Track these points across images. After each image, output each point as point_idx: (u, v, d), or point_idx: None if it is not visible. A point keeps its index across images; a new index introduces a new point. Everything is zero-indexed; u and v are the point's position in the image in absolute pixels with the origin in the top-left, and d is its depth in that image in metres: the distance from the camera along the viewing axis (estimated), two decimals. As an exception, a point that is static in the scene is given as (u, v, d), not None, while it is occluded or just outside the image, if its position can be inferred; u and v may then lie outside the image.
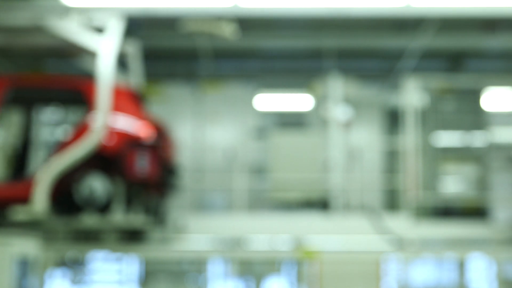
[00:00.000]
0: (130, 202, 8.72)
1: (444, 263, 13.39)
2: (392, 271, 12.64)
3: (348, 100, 11.81)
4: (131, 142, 8.46)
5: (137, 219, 8.74)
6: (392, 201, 12.34)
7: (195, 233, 10.18)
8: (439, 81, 11.75)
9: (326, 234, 10.21)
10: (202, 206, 12.02)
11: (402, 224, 10.16)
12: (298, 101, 13.98)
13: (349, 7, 9.60)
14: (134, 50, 10.23)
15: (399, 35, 11.50)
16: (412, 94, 11.05)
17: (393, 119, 12.71)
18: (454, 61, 12.77)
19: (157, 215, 9.37)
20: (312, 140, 11.34)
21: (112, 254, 10.36)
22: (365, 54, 12.62)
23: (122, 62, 10.27)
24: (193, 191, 12.07)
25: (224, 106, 12.41)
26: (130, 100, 8.94)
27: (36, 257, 9.25)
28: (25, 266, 8.71)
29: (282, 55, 12.84)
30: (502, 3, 9.22)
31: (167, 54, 12.67)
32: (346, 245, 10.16)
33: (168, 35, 11.71)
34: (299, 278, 11.55)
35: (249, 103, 12.42)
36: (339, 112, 11.25)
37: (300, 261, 11.20)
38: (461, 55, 12.60)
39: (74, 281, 12.93)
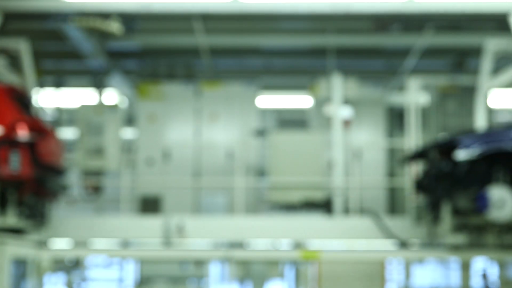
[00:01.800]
0: (3, 202, 8.46)
1: (446, 265, 13.28)
2: (394, 273, 12.51)
3: (350, 100, 11.70)
4: (2, 139, 8.26)
5: (10, 219, 8.51)
6: (394, 203, 12.21)
7: (194, 235, 10.06)
8: (443, 80, 11.64)
9: (328, 236, 10.10)
10: (201, 207, 11.89)
11: (404, 226, 10.04)
12: (299, 101, 13.88)
13: (350, 3, 9.50)
14: (24, 48, 10.12)
15: (402, 34, 11.39)
16: (415, 94, 10.95)
17: (396, 119, 12.60)
18: (458, 60, 12.64)
19: (35, 215, 9.14)
20: (313, 140, 11.21)
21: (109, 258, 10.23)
22: (368, 53, 12.51)
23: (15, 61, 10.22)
24: (193, 192, 11.94)
25: (224, 105, 12.29)
26: (6, 98, 8.74)
27: (34, 259, 9.14)
28: (22, 268, 8.63)
29: (283, 54, 12.74)
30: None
31: (166, 53, 12.57)
32: (348, 247, 10.05)
33: (168, 34, 11.63)
34: (301, 280, 11.44)
35: (250, 102, 12.30)
36: (340, 111, 11.14)
37: (301, 263, 11.10)
38: (465, 54, 12.47)
39: (72, 283, 12.82)
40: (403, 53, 12.21)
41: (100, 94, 12.66)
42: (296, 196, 10.90)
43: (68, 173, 9.97)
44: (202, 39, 11.37)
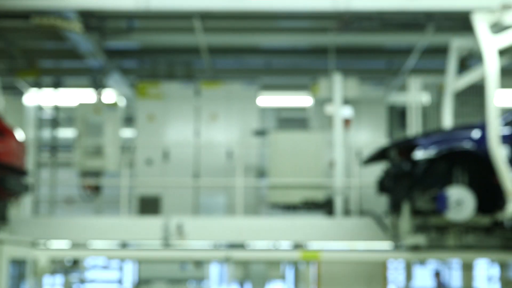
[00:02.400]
0: None
1: (448, 267, 13.23)
2: (395, 275, 12.47)
3: (351, 99, 11.65)
4: None
5: None
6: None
7: (194, 236, 10.00)
8: (443, 79, 11.56)
9: (328, 237, 10.04)
10: (201, 208, 11.84)
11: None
12: (299, 100, 13.83)
13: (350, 2, 9.44)
14: None
15: (403, 33, 11.34)
16: (416, 93, 10.91)
17: (396, 118, 12.56)
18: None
19: None
20: (313, 140, 11.16)
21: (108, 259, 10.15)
22: (368, 52, 12.46)
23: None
24: (192, 192, 11.89)
25: (224, 105, 12.24)
26: None
27: (32, 260, 9.07)
28: (20, 269, 8.57)
29: (283, 53, 12.70)
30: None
31: (166, 52, 12.52)
32: (348, 249, 9.99)
33: (167, 33, 11.57)
34: (301, 281, 11.39)
35: (250, 102, 12.26)
36: (341, 111, 11.09)
37: (301, 264, 11.05)
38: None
39: (70, 285, 12.77)
40: (403, 52, 12.16)
41: (99, 93, 12.60)
42: (296, 197, 10.85)
43: (29, 173, 9.83)
44: (201, 38, 11.31)
